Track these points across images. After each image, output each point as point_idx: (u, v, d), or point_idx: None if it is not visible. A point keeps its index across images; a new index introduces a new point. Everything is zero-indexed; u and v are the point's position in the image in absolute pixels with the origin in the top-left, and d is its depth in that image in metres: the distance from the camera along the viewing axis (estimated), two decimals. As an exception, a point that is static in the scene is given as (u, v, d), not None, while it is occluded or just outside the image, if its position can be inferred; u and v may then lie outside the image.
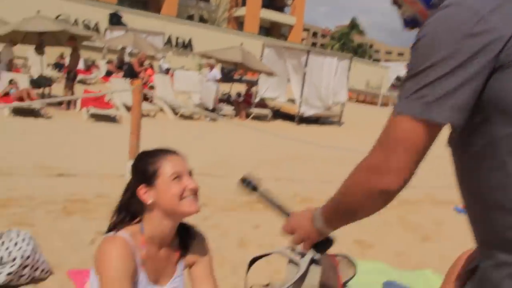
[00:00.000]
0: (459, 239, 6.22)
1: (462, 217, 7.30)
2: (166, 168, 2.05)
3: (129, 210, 2.16)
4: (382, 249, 5.58)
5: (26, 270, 3.37)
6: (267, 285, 4.06)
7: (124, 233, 2.06)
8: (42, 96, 14.04)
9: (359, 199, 1.43)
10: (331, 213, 1.60)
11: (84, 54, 20.59)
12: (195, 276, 2.34)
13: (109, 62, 22.36)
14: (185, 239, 2.28)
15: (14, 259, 3.31)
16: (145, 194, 2.06)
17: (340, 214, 1.57)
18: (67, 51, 19.54)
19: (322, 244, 1.80)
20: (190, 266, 2.34)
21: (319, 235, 1.70)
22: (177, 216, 2.12)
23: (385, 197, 1.38)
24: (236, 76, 24.43)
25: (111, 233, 2.07)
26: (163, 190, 2.04)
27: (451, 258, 5.47)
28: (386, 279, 4.52)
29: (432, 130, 1.30)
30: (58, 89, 15.51)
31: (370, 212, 1.46)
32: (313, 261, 3.58)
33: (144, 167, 2.07)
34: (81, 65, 18.36)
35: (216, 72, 18.51)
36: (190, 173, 2.12)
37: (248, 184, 2.03)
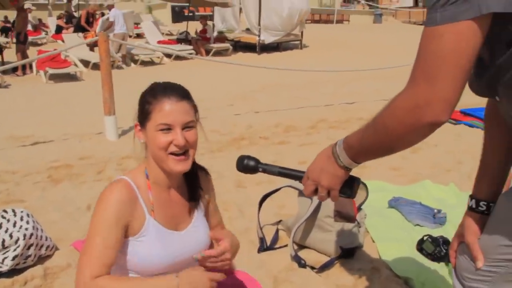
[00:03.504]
0: (444, 145, 6.29)
1: (445, 124, 7.36)
2: (158, 114, 1.83)
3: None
4: (377, 166, 5.55)
5: (31, 250, 3.20)
6: (279, 222, 4.02)
7: (127, 177, 1.91)
8: (-5, 64, 13.47)
9: (401, 135, 1.32)
10: (361, 150, 1.48)
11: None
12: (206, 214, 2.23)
13: (59, 17, 21.45)
14: (192, 177, 2.09)
15: (17, 241, 3.12)
16: (139, 132, 1.93)
17: (373, 151, 1.46)
18: (10, 13, 18.77)
19: (350, 185, 1.62)
20: (206, 206, 2.19)
21: (346, 173, 1.55)
22: (165, 169, 1.92)
23: (433, 128, 1.27)
24: (187, 13, 23.74)
25: (115, 179, 1.94)
26: (150, 137, 1.87)
27: (442, 164, 5.54)
28: (390, 197, 4.51)
29: (481, 28, 1.17)
30: (9, 55, 14.91)
31: (411, 145, 1.37)
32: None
33: (141, 104, 1.90)
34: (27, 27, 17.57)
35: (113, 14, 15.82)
36: (191, 124, 1.89)
37: (249, 165, 1.87)
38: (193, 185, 2.10)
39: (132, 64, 15.42)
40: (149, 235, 1.89)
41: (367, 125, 1.42)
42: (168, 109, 1.83)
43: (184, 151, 1.87)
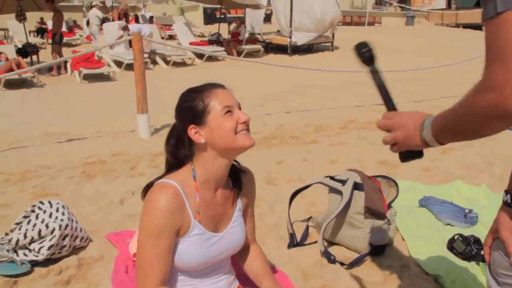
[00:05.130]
0: (476, 146, 6.23)
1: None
2: (217, 102, 1.89)
3: (177, 158, 2.01)
4: (407, 167, 5.53)
5: (66, 240, 3.28)
6: (309, 219, 4.04)
7: (174, 180, 1.91)
8: (31, 64, 13.73)
9: (485, 123, 1.27)
10: (445, 131, 1.44)
11: (63, 16, 20.05)
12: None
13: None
14: (237, 177, 2.13)
15: (53, 231, 3.21)
16: (196, 135, 1.90)
17: (457, 134, 1.42)
18: (45, 15, 19.11)
19: (412, 153, 1.61)
20: (245, 206, 2.20)
21: (421, 145, 1.52)
22: (232, 153, 1.95)
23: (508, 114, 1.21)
24: (218, 15, 23.88)
25: (162, 180, 1.93)
26: (216, 126, 1.88)
27: (474, 165, 5.50)
28: (421, 196, 4.50)
29: None
30: (45, 55, 15.20)
31: (497, 131, 1.31)
32: (355, 187, 3.54)
33: (192, 105, 1.90)
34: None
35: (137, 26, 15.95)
36: (239, 106, 1.96)
37: (364, 54, 1.72)
38: (238, 179, 2.13)
39: (164, 65, 15.56)
40: (192, 238, 1.94)
41: (453, 106, 1.38)
42: (223, 94, 1.92)
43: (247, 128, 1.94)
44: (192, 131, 1.90)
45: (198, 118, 1.89)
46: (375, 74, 1.72)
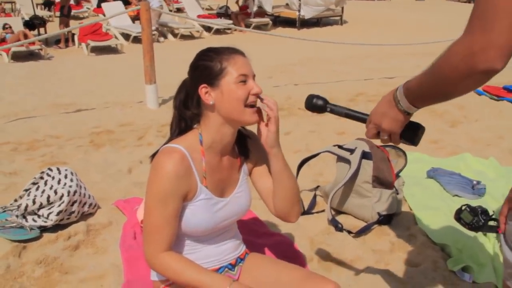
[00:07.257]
0: (485, 120, 6.20)
1: (483, 99, 7.27)
2: (234, 68, 1.87)
3: (184, 117, 2.00)
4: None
5: (75, 206, 3.30)
6: (316, 188, 4.04)
7: (182, 145, 1.91)
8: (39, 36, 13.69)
9: (456, 82, 1.29)
10: (419, 95, 1.46)
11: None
12: (255, 175, 2.19)
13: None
14: (243, 142, 2.13)
15: (61, 197, 3.22)
16: (206, 95, 1.89)
17: (430, 96, 1.43)
18: (53, -13, 18.99)
19: (413, 132, 1.61)
20: (251, 169, 2.20)
21: (406, 117, 1.53)
22: (236, 124, 1.94)
23: (487, 77, 1.24)
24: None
25: (169, 144, 1.93)
26: (228, 91, 1.86)
27: (482, 139, 5.47)
28: (429, 168, 4.49)
29: None
30: (52, 28, 15.13)
31: (466, 92, 1.34)
32: (364, 156, 3.53)
33: (208, 65, 1.88)
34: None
35: None
36: (253, 77, 1.93)
37: (317, 103, 1.87)
38: (244, 146, 2.13)
39: (172, 38, 15.48)
40: (199, 203, 1.95)
41: (426, 70, 1.40)
42: (241, 61, 1.90)
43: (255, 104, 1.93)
44: (203, 90, 1.89)
45: (212, 79, 1.88)
46: (335, 109, 1.84)
